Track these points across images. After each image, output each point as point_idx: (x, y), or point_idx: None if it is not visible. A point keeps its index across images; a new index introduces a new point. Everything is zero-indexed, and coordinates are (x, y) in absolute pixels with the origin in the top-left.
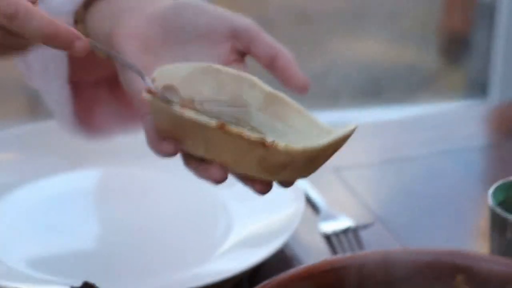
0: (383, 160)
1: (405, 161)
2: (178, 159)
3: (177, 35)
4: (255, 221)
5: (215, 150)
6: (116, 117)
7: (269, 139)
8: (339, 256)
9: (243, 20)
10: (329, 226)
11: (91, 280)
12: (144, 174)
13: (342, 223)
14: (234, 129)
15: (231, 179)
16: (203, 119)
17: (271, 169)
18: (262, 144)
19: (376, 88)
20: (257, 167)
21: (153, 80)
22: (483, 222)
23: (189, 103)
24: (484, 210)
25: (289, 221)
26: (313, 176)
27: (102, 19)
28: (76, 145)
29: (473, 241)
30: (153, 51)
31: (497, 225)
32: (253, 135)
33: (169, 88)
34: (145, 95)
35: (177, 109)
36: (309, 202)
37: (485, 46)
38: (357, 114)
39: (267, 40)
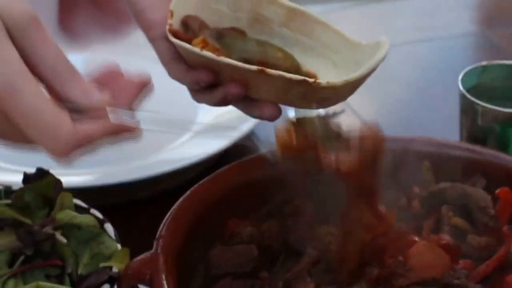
0: None
1: None
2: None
3: None
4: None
5: (256, 89)
6: (95, 24)
7: (310, 79)
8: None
9: None
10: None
11: (47, 166)
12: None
13: (311, 110)
14: (274, 71)
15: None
16: (242, 65)
17: (315, 101)
18: (305, 82)
19: None
20: (300, 100)
21: (171, 14)
22: (457, 110)
23: (212, 34)
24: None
25: None
26: None
27: None
28: None
29: (446, 130)
30: None
31: (467, 110)
32: (295, 76)
33: (188, 18)
34: (174, 40)
35: (210, 55)
36: None
37: None
38: (344, 8)
39: None
